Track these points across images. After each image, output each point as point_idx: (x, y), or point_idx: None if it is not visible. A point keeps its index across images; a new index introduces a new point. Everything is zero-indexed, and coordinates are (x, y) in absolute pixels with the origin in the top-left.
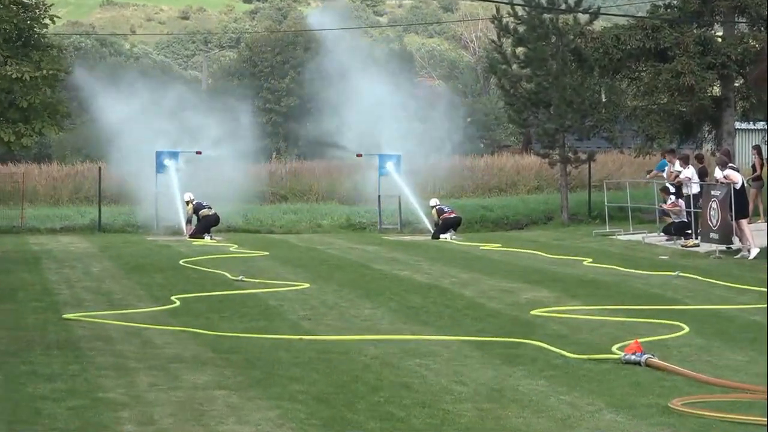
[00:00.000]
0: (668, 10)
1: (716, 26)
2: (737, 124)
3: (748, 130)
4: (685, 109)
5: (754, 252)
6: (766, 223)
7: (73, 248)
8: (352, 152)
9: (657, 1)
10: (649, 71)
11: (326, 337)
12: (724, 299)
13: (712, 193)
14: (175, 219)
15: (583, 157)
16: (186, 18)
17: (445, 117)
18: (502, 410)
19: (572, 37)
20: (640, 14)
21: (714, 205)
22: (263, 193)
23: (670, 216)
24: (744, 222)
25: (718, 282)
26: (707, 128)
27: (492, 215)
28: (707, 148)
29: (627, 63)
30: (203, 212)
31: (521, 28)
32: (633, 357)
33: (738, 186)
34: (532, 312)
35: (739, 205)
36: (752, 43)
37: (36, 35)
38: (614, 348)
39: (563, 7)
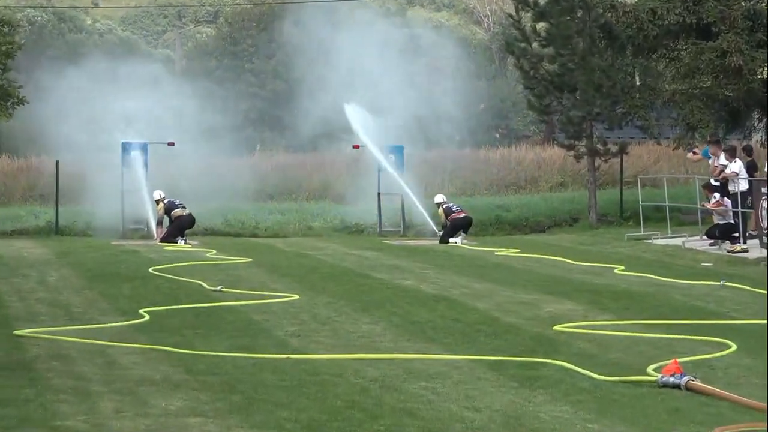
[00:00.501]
0: None
1: None
2: None
3: None
4: (731, 94)
5: None
6: None
7: (27, 254)
8: (352, 144)
9: None
10: (690, 50)
11: (318, 356)
12: None
13: (764, 190)
14: (143, 220)
15: (614, 149)
16: None
17: (454, 103)
18: None
19: (601, 11)
20: None
21: (765, 204)
22: (245, 191)
23: (714, 217)
24: None
25: None
26: (757, 116)
27: (509, 216)
28: (757, 138)
29: (664, 41)
30: (176, 212)
31: (543, 1)
32: (671, 379)
33: None
34: (556, 327)
35: None
36: None
37: None
38: (650, 369)
39: None
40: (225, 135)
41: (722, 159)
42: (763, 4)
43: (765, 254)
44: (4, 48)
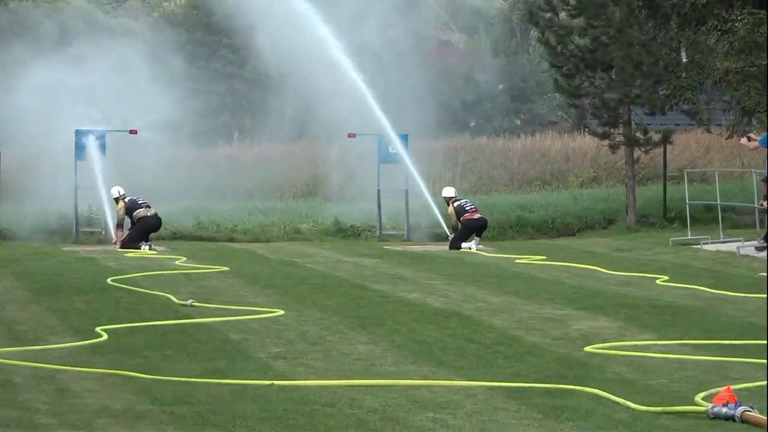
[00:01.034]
0: None
1: None
2: None
3: None
4: None
5: None
6: None
7: None
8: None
9: None
10: (747, 21)
11: (307, 382)
12: None
13: None
14: (100, 222)
15: (656, 137)
16: None
17: (467, 83)
18: None
19: None
20: None
21: None
22: (221, 187)
23: None
24: None
25: None
26: None
27: (532, 217)
28: None
29: (716, 10)
30: (139, 213)
31: None
32: (724, 410)
33: None
34: (587, 349)
35: None
36: None
37: None
38: (699, 398)
39: None
40: (197, 122)
41: None
42: None
43: None
44: None
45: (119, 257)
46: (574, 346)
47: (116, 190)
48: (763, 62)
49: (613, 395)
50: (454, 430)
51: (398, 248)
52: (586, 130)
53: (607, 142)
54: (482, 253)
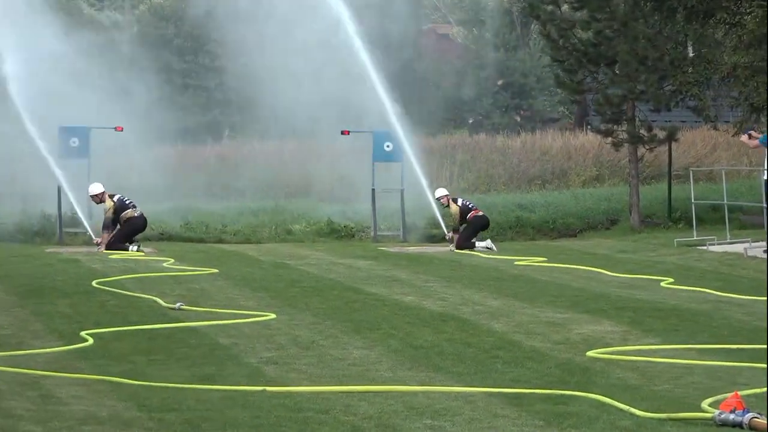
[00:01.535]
0: None
1: None
2: None
3: None
4: None
5: None
6: None
7: None
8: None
9: None
10: (756, 14)
11: (299, 388)
12: None
13: None
14: (86, 222)
15: (661, 135)
16: None
17: (465, 78)
18: None
19: None
20: None
21: None
22: (210, 186)
23: None
24: None
25: None
26: None
27: (532, 218)
28: None
29: (724, 2)
30: (127, 214)
31: None
32: (732, 416)
33: None
34: (590, 353)
35: None
36: None
37: None
38: (705, 404)
39: None
40: (185, 118)
41: None
42: None
43: None
44: None
45: (104, 259)
46: (576, 350)
47: (97, 187)
48: None
49: (617, 401)
50: None
51: (394, 249)
52: (589, 127)
53: (610, 139)
54: (480, 254)
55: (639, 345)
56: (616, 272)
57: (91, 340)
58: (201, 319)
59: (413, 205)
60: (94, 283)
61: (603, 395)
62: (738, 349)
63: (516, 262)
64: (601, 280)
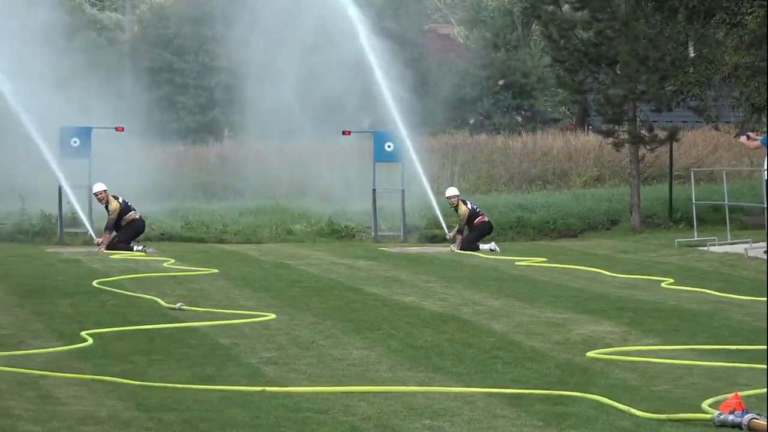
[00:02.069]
0: None
1: None
2: None
3: None
4: None
5: None
6: None
7: None
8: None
9: None
10: (757, 14)
11: (299, 388)
12: None
13: None
14: (87, 222)
15: (662, 135)
16: None
17: (466, 78)
18: None
19: None
20: None
21: None
22: (210, 186)
23: None
24: None
25: None
26: None
27: (533, 218)
28: None
29: (725, 2)
30: (130, 216)
31: None
32: (731, 417)
33: None
34: (589, 354)
35: None
36: None
37: None
38: (705, 404)
39: None
40: (185, 118)
41: None
42: None
43: None
44: None
45: (105, 259)
46: (575, 351)
47: (100, 186)
48: None
49: (617, 402)
50: None
51: (394, 250)
52: (590, 127)
53: (611, 140)
54: (480, 254)
55: (639, 345)
56: (616, 273)
57: (91, 340)
58: (201, 319)
59: (414, 205)
60: (94, 283)
61: (602, 396)
62: (738, 349)
63: (516, 263)
64: (602, 281)
